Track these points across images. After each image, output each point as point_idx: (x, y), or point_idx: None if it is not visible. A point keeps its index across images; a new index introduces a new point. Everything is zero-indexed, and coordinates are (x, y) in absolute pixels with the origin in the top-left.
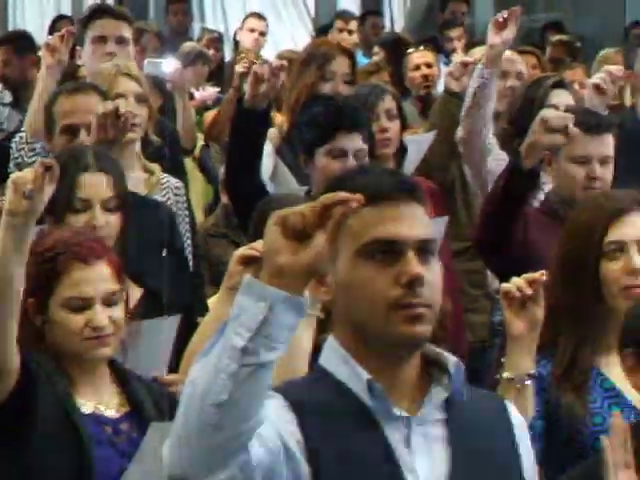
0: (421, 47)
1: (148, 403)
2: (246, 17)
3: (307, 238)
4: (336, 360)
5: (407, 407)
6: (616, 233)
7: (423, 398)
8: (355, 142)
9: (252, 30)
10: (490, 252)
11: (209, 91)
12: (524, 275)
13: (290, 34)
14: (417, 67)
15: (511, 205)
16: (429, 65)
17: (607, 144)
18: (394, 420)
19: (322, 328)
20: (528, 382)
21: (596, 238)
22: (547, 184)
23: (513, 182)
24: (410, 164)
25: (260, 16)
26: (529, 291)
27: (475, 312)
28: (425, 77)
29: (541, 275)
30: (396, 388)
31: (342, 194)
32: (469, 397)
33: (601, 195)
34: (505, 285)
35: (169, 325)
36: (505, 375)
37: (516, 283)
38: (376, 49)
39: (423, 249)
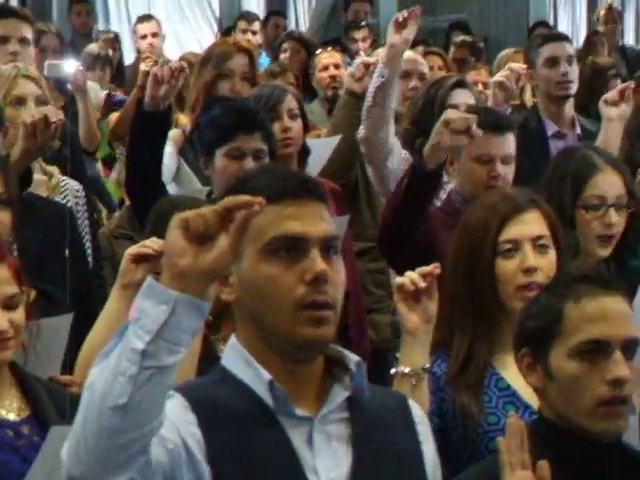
0: (329, 48)
1: (49, 406)
2: (135, 23)
3: (209, 240)
4: (238, 361)
5: (309, 407)
6: (511, 232)
7: (325, 397)
8: (254, 143)
9: (143, 36)
10: (393, 251)
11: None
12: (418, 269)
13: (195, 35)
14: (325, 68)
15: (414, 205)
16: (337, 66)
17: (509, 143)
18: (296, 420)
19: (214, 330)
20: (423, 376)
21: (491, 236)
22: (449, 183)
23: (416, 182)
24: (314, 167)
25: (147, 18)
26: (423, 284)
27: (379, 312)
28: (333, 78)
29: (434, 268)
30: (298, 388)
31: (244, 197)
32: (371, 395)
33: (496, 193)
34: (399, 279)
35: (63, 324)
36: (400, 369)
37: (410, 277)
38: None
39: (327, 247)
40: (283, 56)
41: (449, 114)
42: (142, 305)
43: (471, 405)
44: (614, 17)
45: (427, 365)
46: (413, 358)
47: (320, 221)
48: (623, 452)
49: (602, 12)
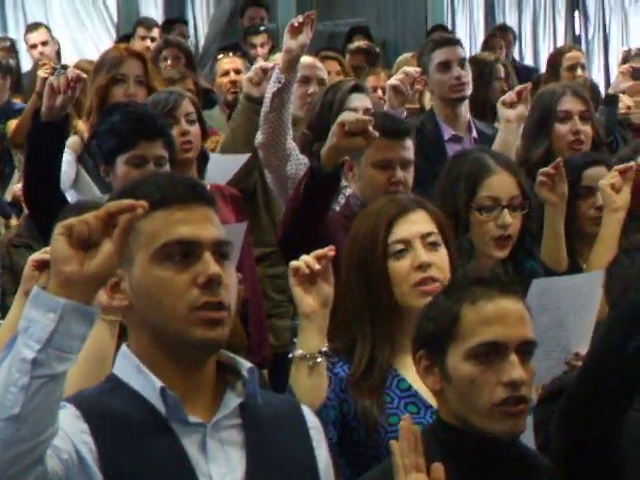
0: (230, 53)
1: None
2: (25, 33)
3: (94, 246)
4: (129, 369)
5: (203, 413)
6: (399, 232)
7: (219, 404)
8: (155, 149)
9: (33, 46)
10: (293, 254)
11: None
12: (313, 252)
13: (93, 42)
14: (226, 73)
15: (313, 208)
16: (238, 71)
17: (408, 148)
18: (189, 427)
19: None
20: (320, 359)
21: (380, 239)
22: (348, 188)
23: (314, 185)
24: (218, 180)
25: (35, 27)
26: (317, 267)
27: (279, 317)
28: (233, 83)
29: (329, 250)
30: (191, 395)
31: (127, 201)
32: (264, 401)
33: (381, 199)
34: (294, 263)
35: None
36: (297, 353)
37: (305, 260)
38: None
39: (219, 251)
40: (164, 64)
41: (345, 116)
42: (30, 314)
43: (373, 407)
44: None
45: (324, 348)
46: (310, 341)
47: (210, 225)
48: (521, 452)
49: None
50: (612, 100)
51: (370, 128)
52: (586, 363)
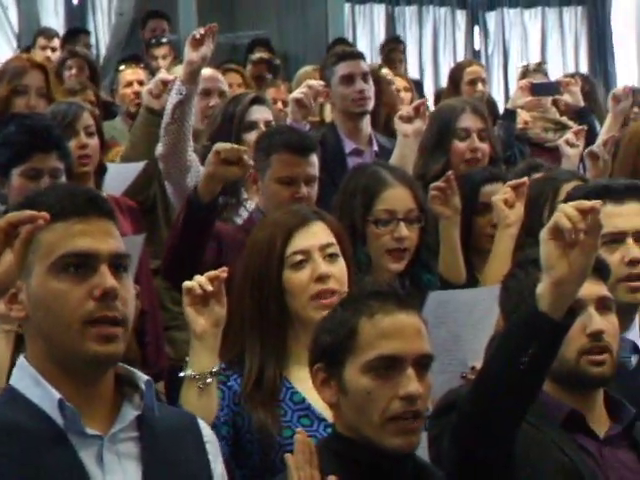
0: (133, 64)
1: None
2: None
3: None
4: (27, 381)
5: (100, 425)
6: (298, 243)
7: (116, 416)
8: (50, 162)
9: None
10: (179, 280)
11: None
12: (206, 273)
13: None
14: (129, 84)
15: (193, 239)
16: (141, 82)
17: (312, 164)
18: (87, 439)
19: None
20: (210, 380)
21: (277, 250)
22: (250, 200)
23: (193, 216)
24: (115, 190)
25: None
26: (210, 288)
27: (177, 329)
28: (136, 94)
29: (222, 272)
30: (89, 407)
31: (27, 212)
32: (161, 414)
33: (281, 209)
34: (187, 283)
35: None
36: (188, 373)
37: (198, 280)
38: None
39: (116, 264)
40: (68, 74)
41: (219, 145)
42: None
43: (267, 420)
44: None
45: (215, 369)
46: (201, 362)
47: (109, 238)
48: (416, 465)
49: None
50: (510, 115)
51: (245, 157)
52: (479, 376)
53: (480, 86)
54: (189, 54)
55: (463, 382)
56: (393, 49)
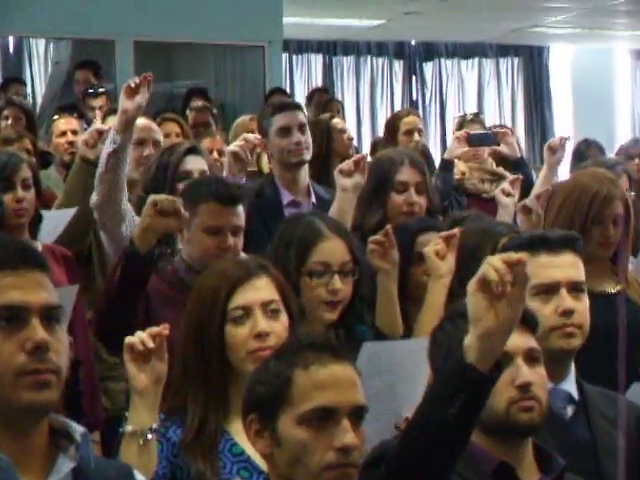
0: (66, 114)
1: None
2: None
3: None
4: None
5: (35, 478)
6: (241, 298)
7: (52, 468)
8: None
9: None
10: (112, 337)
11: None
12: (148, 329)
13: None
14: (63, 133)
15: (130, 293)
16: (74, 132)
17: (239, 214)
18: None
19: None
20: (150, 436)
21: (220, 303)
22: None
23: (129, 269)
24: (49, 238)
25: None
26: (152, 345)
27: (112, 380)
28: (70, 144)
29: (164, 329)
30: (23, 459)
31: None
32: (96, 466)
33: (227, 260)
34: (129, 339)
35: None
36: (128, 429)
37: (139, 336)
38: None
39: (48, 316)
40: (4, 123)
41: (156, 197)
42: None
43: (207, 471)
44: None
45: (155, 426)
46: (141, 418)
47: (40, 290)
48: None
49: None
50: (447, 166)
51: (181, 209)
52: (407, 428)
53: (417, 136)
54: (124, 103)
55: (397, 432)
56: (329, 101)
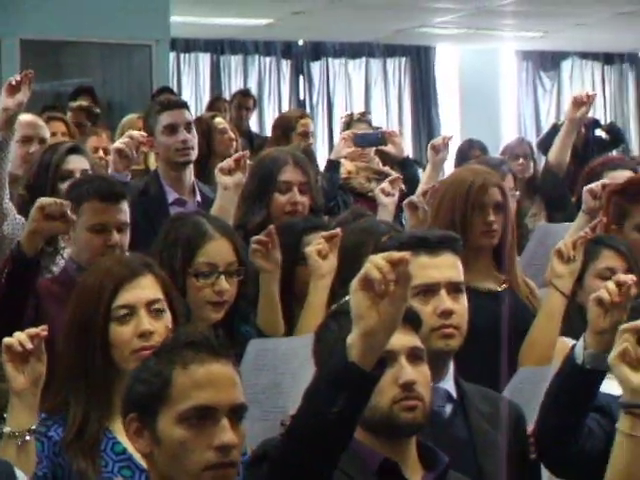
0: None
1: None
2: None
3: None
4: None
5: None
6: (125, 297)
7: None
8: None
9: None
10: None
11: None
12: (27, 330)
13: None
14: None
15: (17, 295)
16: None
17: (123, 211)
18: None
19: None
20: (28, 437)
21: (104, 302)
22: (68, 249)
23: (16, 272)
24: None
25: None
26: (30, 346)
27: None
28: None
29: (42, 330)
30: None
31: None
32: None
33: (111, 258)
34: (6, 340)
35: None
36: (6, 430)
37: (18, 337)
38: None
39: None
40: None
41: (43, 200)
42: None
43: (88, 470)
44: (247, 104)
45: (33, 427)
46: (20, 419)
47: None
48: None
49: (237, 98)
50: (334, 166)
51: (68, 212)
52: (290, 426)
53: (310, 139)
54: (5, 101)
55: (283, 430)
56: (218, 99)
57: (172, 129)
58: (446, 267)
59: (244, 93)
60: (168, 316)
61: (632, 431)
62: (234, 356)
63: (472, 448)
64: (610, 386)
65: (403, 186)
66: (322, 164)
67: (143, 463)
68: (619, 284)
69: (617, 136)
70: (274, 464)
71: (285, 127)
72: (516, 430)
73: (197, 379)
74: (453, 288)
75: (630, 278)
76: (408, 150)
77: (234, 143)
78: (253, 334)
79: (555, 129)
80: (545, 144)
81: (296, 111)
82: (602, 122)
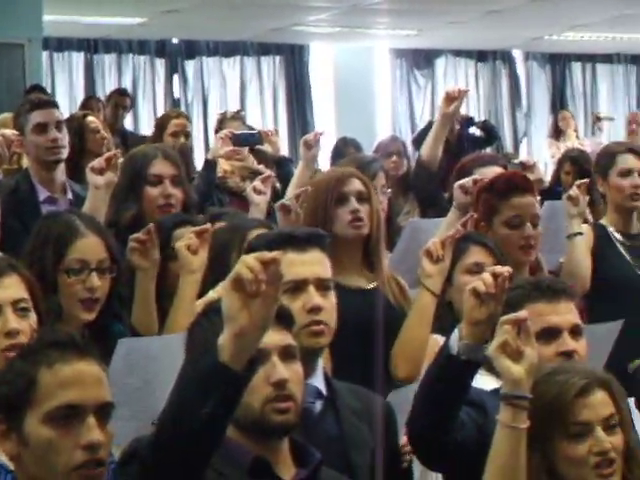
0: None
1: None
2: None
3: None
4: None
5: None
6: None
7: None
8: None
9: None
10: None
11: None
12: None
13: None
14: None
15: None
16: None
17: None
18: None
19: None
20: None
21: None
22: None
23: None
24: None
25: None
26: None
27: None
28: None
29: None
30: None
31: None
32: None
33: None
34: None
35: None
36: None
37: None
38: None
39: None
40: None
41: None
42: None
43: None
44: (124, 103)
45: None
46: None
47: None
48: None
49: (113, 97)
50: (211, 165)
51: None
52: (159, 425)
53: (183, 139)
54: None
55: (154, 429)
56: (91, 98)
57: (42, 128)
58: (314, 264)
59: (121, 92)
60: (33, 316)
61: (513, 422)
62: (101, 355)
63: (343, 444)
64: (482, 382)
65: (277, 184)
66: (198, 162)
67: (10, 463)
68: (495, 276)
69: (491, 133)
70: (145, 463)
71: (161, 126)
72: (387, 426)
73: (62, 378)
74: (321, 285)
75: (506, 270)
76: (283, 148)
77: (106, 142)
78: (127, 333)
79: (430, 126)
80: (420, 141)
81: (173, 111)
82: (476, 119)
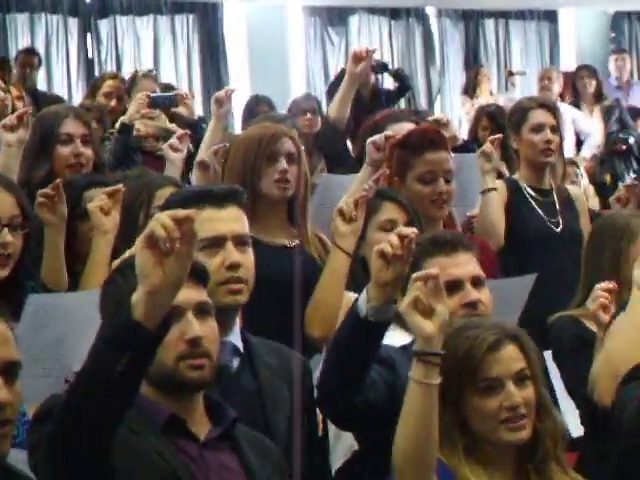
0: None
1: None
2: None
3: None
4: None
5: None
6: None
7: None
8: None
9: None
10: None
11: None
12: None
13: None
14: None
15: None
16: None
17: None
18: None
19: None
20: None
21: None
22: None
23: None
24: None
25: None
26: None
27: None
28: None
29: None
30: None
31: None
32: None
33: None
34: None
35: None
36: None
37: None
38: None
39: None
40: None
41: None
42: None
43: None
44: (31, 62)
45: None
46: None
47: None
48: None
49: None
50: (126, 129)
51: None
52: (74, 383)
53: (114, 102)
54: None
55: (67, 386)
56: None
57: None
58: (232, 220)
59: (28, 51)
60: None
61: (425, 379)
62: (11, 313)
63: (260, 401)
64: (392, 336)
65: (191, 146)
66: None
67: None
68: (401, 237)
69: (403, 82)
70: (59, 420)
71: (95, 86)
72: (304, 383)
73: None
74: (239, 241)
75: (412, 231)
76: (197, 107)
77: (10, 102)
78: (38, 290)
79: (343, 74)
80: (333, 91)
81: (111, 73)
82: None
